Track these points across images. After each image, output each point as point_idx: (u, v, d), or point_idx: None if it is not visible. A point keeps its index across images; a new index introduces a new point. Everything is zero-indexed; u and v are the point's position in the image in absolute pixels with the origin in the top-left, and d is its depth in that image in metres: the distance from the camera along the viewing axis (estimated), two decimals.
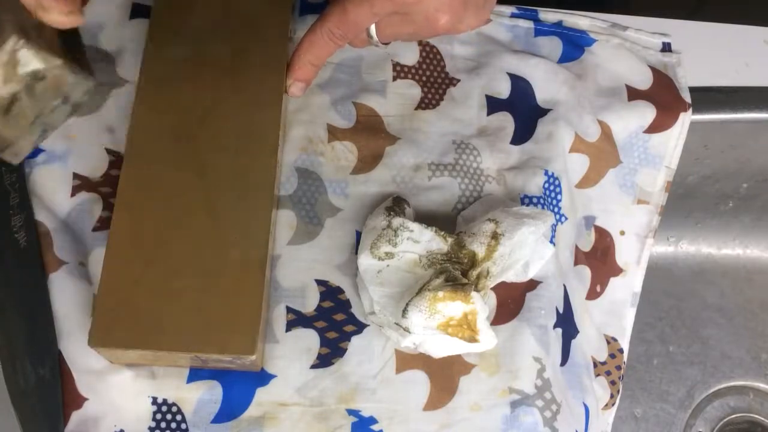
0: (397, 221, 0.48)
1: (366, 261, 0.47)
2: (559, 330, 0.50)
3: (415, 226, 0.47)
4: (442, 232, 0.48)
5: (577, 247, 0.56)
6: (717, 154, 0.66)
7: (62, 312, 0.46)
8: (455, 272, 0.46)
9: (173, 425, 0.45)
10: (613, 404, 0.56)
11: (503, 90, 0.56)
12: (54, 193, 0.49)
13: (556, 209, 0.53)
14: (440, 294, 0.44)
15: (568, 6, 0.61)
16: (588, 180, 0.57)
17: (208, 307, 0.43)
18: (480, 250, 0.47)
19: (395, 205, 0.50)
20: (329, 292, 0.49)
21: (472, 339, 0.45)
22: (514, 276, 0.49)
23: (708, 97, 0.62)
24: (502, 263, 0.47)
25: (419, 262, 0.47)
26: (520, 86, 0.56)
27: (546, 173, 0.53)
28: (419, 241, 0.47)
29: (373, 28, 0.47)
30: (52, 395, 0.44)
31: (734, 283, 0.76)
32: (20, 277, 0.46)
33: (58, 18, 0.35)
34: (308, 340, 0.47)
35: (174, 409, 0.45)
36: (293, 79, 0.50)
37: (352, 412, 0.46)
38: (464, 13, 0.47)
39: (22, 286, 0.46)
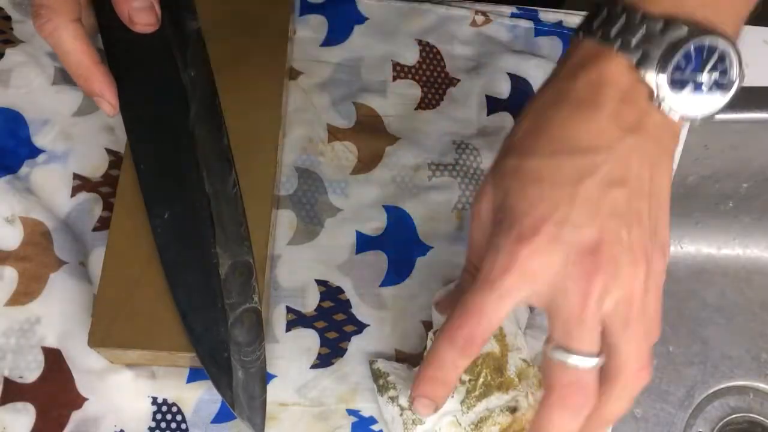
0: (407, 414, 0.43)
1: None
2: None
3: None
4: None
5: None
6: (717, 154, 0.66)
7: (62, 312, 0.46)
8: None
9: (173, 425, 0.45)
10: None
11: (503, 90, 0.56)
12: (54, 193, 0.49)
13: None
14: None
15: (568, 6, 0.61)
16: None
17: None
18: (493, 347, 0.43)
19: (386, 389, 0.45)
20: (329, 292, 0.49)
21: None
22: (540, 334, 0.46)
23: None
24: (521, 339, 0.44)
25: (459, 424, 0.43)
26: (520, 86, 0.56)
27: None
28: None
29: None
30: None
31: (734, 283, 0.76)
32: None
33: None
34: (308, 340, 0.47)
35: (174, 409, 0.45)
36: (417, 394, 0.38)
37: (352, 412, 0.46)
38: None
39: None
